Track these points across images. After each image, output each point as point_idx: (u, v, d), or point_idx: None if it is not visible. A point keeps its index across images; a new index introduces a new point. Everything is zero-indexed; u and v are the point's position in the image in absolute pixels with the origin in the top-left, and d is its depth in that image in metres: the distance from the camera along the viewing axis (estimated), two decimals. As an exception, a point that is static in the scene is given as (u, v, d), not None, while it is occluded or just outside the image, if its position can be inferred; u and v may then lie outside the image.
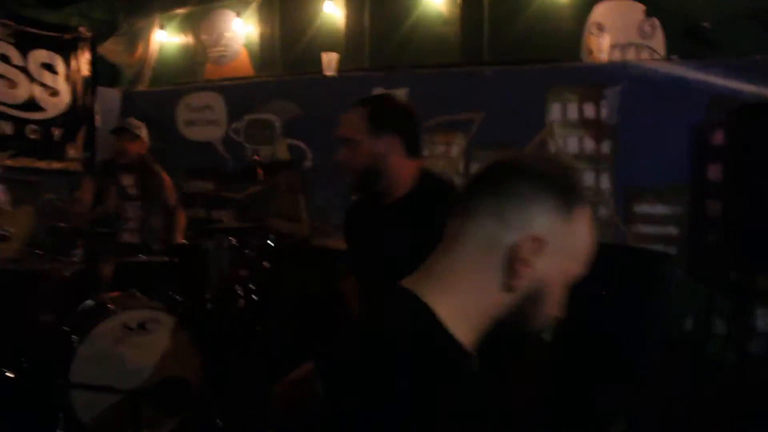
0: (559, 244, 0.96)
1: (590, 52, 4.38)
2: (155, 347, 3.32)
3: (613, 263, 3.67)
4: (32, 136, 5.53)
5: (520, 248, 0.94)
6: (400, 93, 4.74)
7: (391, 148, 2.07)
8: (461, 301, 0.97)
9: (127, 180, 4.40)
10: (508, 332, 1.01)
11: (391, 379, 0.88)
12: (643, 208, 4.10)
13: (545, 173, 0.98)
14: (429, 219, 1.96)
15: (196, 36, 6.21)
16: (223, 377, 3.64)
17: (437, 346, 0.93)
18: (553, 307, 1.00)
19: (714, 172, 3.89)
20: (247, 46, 5.90)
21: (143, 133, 4.44)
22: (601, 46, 4.28)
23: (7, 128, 5.39)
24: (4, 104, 5.37)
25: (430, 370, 0.90)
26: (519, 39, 4.75)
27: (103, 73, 6.24)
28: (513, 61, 4.58)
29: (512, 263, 0.95)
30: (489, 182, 1.01)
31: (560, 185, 0.98)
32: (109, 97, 6.16)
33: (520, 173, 0.99)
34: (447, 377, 0.91)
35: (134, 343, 3.27)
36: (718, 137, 3.85)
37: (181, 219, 4.56)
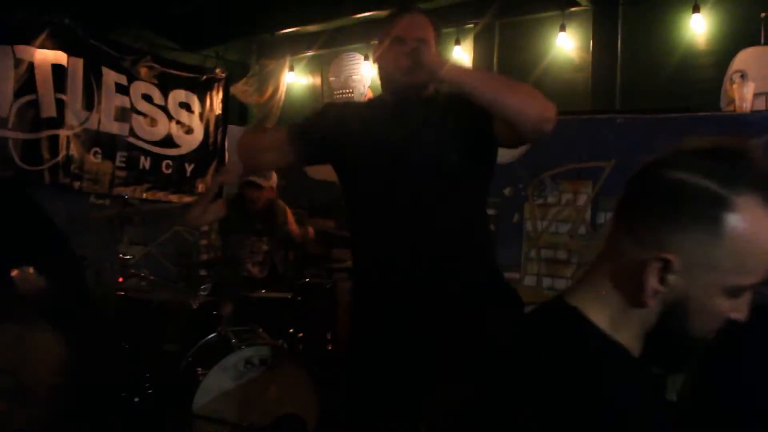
0: (701, 260, 0.93)
1: (731, 101, 4.17)
2: (274, 384, 3.35)
3: (754, 321, 3.47)
4: (167, 171, 5.81)
5: (648, 268, 0.95)
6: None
7: None
8: (612, 311, 1.00)
9: (256, 218, 4.52)
10: (664, 346, 1.02)
11: (577, 393, 0.92)
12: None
13: (685, 184, 0.94)
14: (471, 117, 1.95)
15: (324, 78, 6.37)
16: (339, 417, 3.61)
17: (609, 354, 0.98)
18: (705, 323, 0.98)
19: None
20: (372, 88, 5.99)
21: (272, 182, 4.53)
22: (744, 95, 4.06)
23: (147, 163, 5.69)
24: (145, 140, 5.69)
25: (612, 375, 0.96)
26: (653, 87, 4.59)
27: (234, 112, 6.51)
28: (646, 109, 4.41)
29: (641, 281, 0.96)
30: (635, 191, 1.01)
31: (703, 195, 0.93)
32: (239, 135, 6.36)
33: (658, 185, 0.97)
34: (627, 379, 0.97)
35: (255, 379, 3.31)
36: None
37: (310, 231, 4.62)
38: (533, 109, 1.87)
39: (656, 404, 1.04)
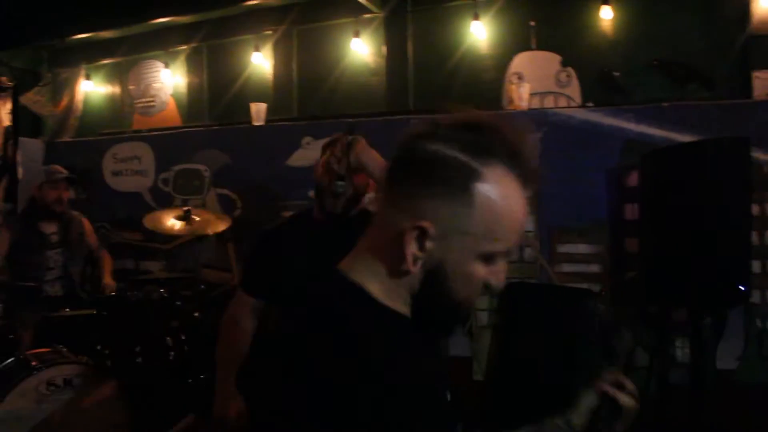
0: (455, 226, 0.99)
1: (511, 100, 4.54)
2: (81, 404, 3.21)
3: (540, 302, 3.78)
4: (-51, 189, 5.35)
5: (406, 234, 0.99)
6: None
7: None
8: (382, 278, 1.03)
9: (49, 227, 4.30)
10: (429, 310, 1.06)
11: (331, 352, 0.94)
12: (567, 247, 4.21)
13: (437, 155, 0.99)
14: None
15: (124, 86, 6.15)
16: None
17: (375, 313, 1.02)
18: (464, 286, 1.03)
19: (631, 211, 4.06)
20: (175, 96, 5.88)
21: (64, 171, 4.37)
22: (522, 95, 4.43)
23: None
24: None
25: (373, 336, 0.99)
26: (442, 88, 4.88)
27: (26, 123, 6.10)
28: (437, 109, 4.68)
29: (402, 249, 0.99)
30: (396, 163, 1.05)
31: (453, 165, 0.99)
32: (32, 148, 5.98)
33: (411, 154, 1.02)
34: (389, 340, 1.00)
35: (59, 401, 3.15)
36: (633, 179, 4.02)
37: (107, 260, 4.47)
38: None
39: (432, 364, 1.11)
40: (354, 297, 1.03)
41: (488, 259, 1.02)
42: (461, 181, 0.98)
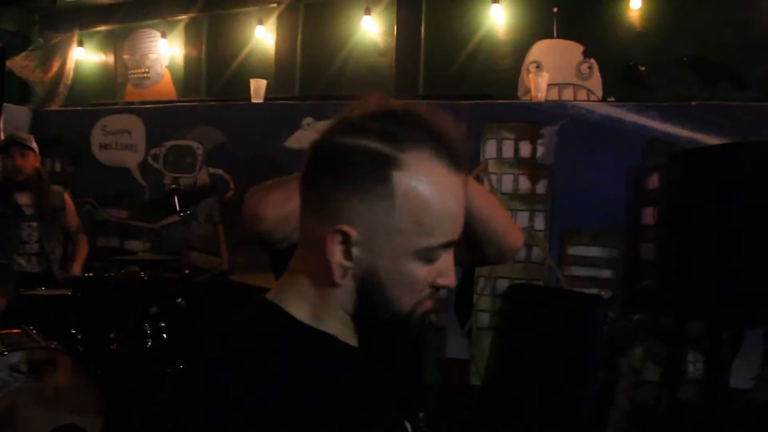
0: (378, 225, 0.87)
1: (527, 90, 4.31)
2: (48, 392, 2.99)
3: (545, 306, 3.63)
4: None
5: (327, 243, 0.87)
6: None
7: None
8: (309, 298, 0.92)
9: (23, 198, 4.02)
10: (371, 326, 0.94)
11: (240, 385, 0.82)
12: (578, 250, 4.02)
13: (346, 147, 0.87)
14: None
15: (117, 55, 5.88)
16: (126, 426, 3.31)
17: (300, 337, 0.90)
18: (404, 292, 0.90)
19: (649, 215, 3.88)
20: (171, 68, 5.62)
21: (34, 145, 4.08)
22: (539, 85, 4.21)
23: None
24: None
25: (298, 363, 0.87)
26: (455, 74, 4.65)
27: (13, 89, 5.82)
28: (448, 95, 4.45)
29: (325, 259, 0.88)
30: (308, 164, 0.93)
31: (365, 156, 0.86)
32: (18, 116, 5.73)
33: (321, 152, 0.90)
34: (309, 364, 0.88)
35: (24, 389, 2.93)
36: (653, 180, 3.85)
37: (83, 247, 4.19)
38: (515, 235, 1.67)
39: (381, 392, 0.96)
40: (270, 319, 0.92)
41: (427, 256, 0.89)
42: (376, 173, 0.86)
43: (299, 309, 0.92)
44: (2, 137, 5.34)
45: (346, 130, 0.87)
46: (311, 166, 0.91)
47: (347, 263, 0.88)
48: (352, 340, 0.94)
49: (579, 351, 3.35)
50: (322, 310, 0.92)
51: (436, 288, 0.93)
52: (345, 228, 0.86)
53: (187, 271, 4.11)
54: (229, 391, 0.81)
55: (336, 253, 0.87)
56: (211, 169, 4.97)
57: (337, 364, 0.91)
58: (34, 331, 3.24)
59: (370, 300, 0.90)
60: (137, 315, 3.59)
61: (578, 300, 3.69)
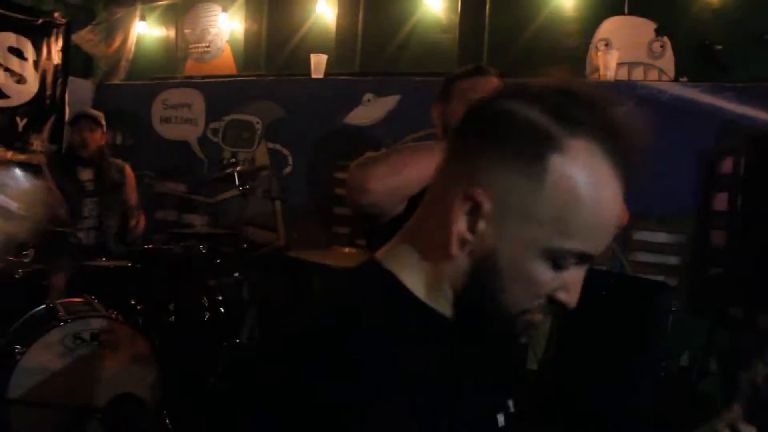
0: (516, 205, 0.76)
1: (596, 69, 4.16)
2: (109, 361, 3.01)
3: (609, 292, 3.53)
4: (-7, 124, 5.17)
5: (454, 207, 0.78)
6: (391, 101, 4.51)
7: None
8: (422, 267, 0.83)
9: (85, 174, 4.07)
10: (473, 314, 0.83)
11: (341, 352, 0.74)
12: (644, 235, 3.88)
13: (511, 112, 0.77)
14: None
15: (179, 30, 5.90)
16: (183, 397, 3.33)
17: (408, 311, 0.82)
18: (518, 291, 0.79)
19: (720, 201, 3.73)
20: (231, 43, 5.61)
21: (103, 123, 4.13)
22: (608, 64, 4.06)
23: (-33, 114, 5.04)
24: (-35, 88, 5.03)
25: (402, 341, 0.78)
26: (521, 51, 4.51)
27: (76, 63, 5.90)
28: (513, 74, 4.33)
29: (448, 229, 0.79)
30: (462, 124, 0.84)
31: (528, 127, 0.76)
32: (81, 89, 5.82)
33: (482, 111, 0.82)
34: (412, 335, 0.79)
35: (85, 356, 2.96)
36: (727, 165, 3.69)
37: (141, 222, 4.21)
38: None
39: (478, 379, 0.87)
40: (386, 291, 0.83)
41: (556, 260, 0.78)
42: (535, 149, 0.75)
43: (414, 281, 0.83)
44: (68, 110, 5.43)
45: (519, 95, 0.78)
46: (467, 123, 0.83)
47: (469, 236, 0.78)
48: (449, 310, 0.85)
49: (642, 339, 3.26)
50: (433, 285, 0.82)
51: (551, 301, 0.81)
52: (478, 195, 0.76)
53: (245, 246, 4.11)
54: (360, 366, 0.73)
55: (460, 221, 0.78)
56: (270, 144, 4.96)
57: (447, 347, 0.83)
58: (96, 301, 3.28)
59: (481, 286, 0.80)
60: (195, 288, 3.60)
61: (643, 286, 3.59)
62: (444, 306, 0.83)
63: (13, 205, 0.86)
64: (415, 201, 1.83)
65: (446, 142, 0.85)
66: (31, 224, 0.91)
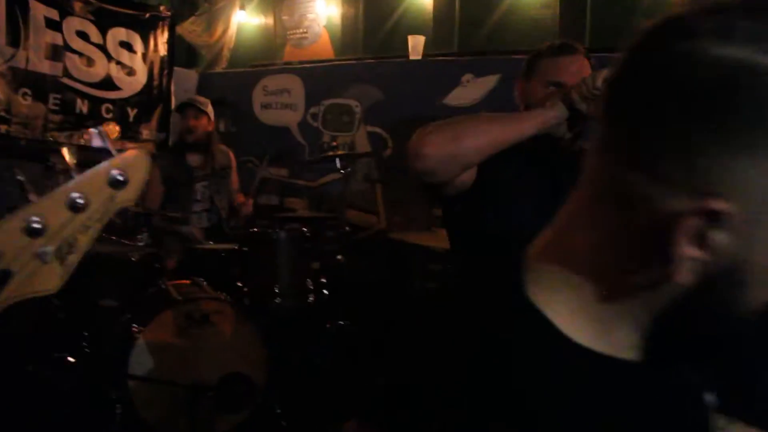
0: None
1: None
2: (218, 341, 3.11)
3: None
4: (107, 116, 5.41)
5: (678, 225, 0.54)
6: (491, 80, 4.42)
7: None
8: (589, 299, 0.61)
9: (194, 160, 4.21)
10: (688, 334, 0.61)
11: None
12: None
13: (737, 66, 0.52)
14: None
15: (277, 17, 5.99)
16: (289, 375, 3.40)
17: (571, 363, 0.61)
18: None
19: None
20: (328, 28, 5.64)
21: (209, 109, 4.25)
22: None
23: (84, 107, 5.28)
24: (82, 82, 5.26)
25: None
26: (625, 26, 4.32)
27: (180, 53, 6.10)
28: (618, 50, 4.15)
29: (665, 245, 0.55)
30: (646, 88, 0.57)
31: (754, 86, 0.52)
32: (186, 78, 6.01)
33: (697, 71, 0.53)
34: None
35: (197, 336, 3.06)
36: None
37: (248, 203, 4.33)
38: None
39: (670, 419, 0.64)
40: (547, 343, 0.61)
41: None
42: None
43: (573, 321, 0.62)
44: (173, 100, 5.62)
45: (721, 33, 0.54)
46: (644, 88, 0.58)
47: (700, 255, 0.55)
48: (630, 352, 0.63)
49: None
50: (605, 320, 0.61)
51: None
52: (722, 207, 0.53)
53: (346, 228, 4.14)
54: None
55: (688, 240, 0.54)
56: (369, 128, 4.96)
57: (630, 397, 0.62)
58: (204, 283, 3.39)
59: (710, 302, 0.58)
60: (299, 270, 3.66)
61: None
62: (619, 341, 0.62)
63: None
64: (483, 174, 1.76)
65: (595, 131, 0.62)
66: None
